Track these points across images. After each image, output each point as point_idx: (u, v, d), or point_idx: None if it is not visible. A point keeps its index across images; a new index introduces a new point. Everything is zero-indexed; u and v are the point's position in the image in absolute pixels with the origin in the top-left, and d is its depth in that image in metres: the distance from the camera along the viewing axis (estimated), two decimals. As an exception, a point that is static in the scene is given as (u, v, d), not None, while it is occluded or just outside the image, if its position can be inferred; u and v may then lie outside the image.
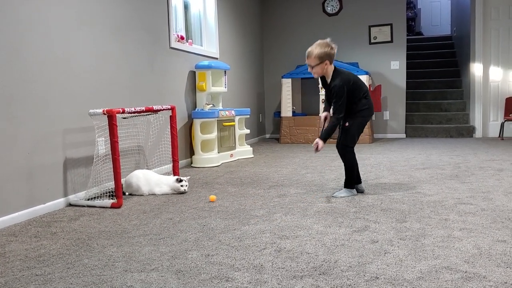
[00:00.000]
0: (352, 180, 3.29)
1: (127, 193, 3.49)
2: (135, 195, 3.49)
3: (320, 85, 4.86)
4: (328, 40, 3.12)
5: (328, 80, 3.20)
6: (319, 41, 3.11)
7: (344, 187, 3.32)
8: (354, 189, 3.31)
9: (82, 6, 3.39)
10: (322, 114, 3.36)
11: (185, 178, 3.54)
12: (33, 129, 2.93)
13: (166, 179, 3.54)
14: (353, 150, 3.28)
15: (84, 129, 3.40)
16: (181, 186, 3.48)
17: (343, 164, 3.33)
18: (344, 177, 3.33)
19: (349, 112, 3.17)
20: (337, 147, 3.30)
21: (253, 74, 7.46)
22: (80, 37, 3.38)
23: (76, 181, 3.32)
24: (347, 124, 3.20)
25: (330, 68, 3.14)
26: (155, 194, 3.46)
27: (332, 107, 3.16)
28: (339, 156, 3.34)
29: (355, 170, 3.30)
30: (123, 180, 3.52)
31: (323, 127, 3.25)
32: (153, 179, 3.49)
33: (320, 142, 3.11)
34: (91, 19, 3.50)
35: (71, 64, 3.28)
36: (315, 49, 3.06)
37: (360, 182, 3.40)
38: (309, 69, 3.16)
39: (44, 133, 3.03)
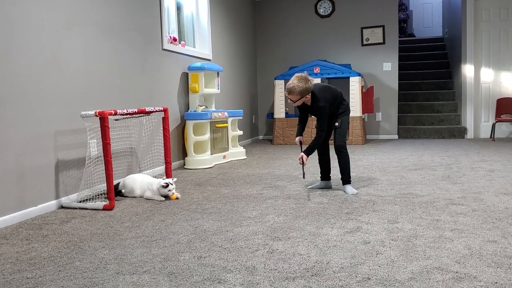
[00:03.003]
0: (350, 174, 3.50)
1: (123, 191, 3.48)
2: (128, 196, 3.48)
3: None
4: (305, 73, 3.31)
5: (309, 103, 3.39)
6: (298, 76, 3.27)
7: (347, 184, 3.48)
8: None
9: (72, 6, 3.38)
10: (297, 139, 3.53)
11: (171, 181, 3.36)
12: (24, 131, 2.92)
13: (152, 184, 3.41)
14: (346, 147, 3.49)
15: (76, 131, 3.38)
16: (169, 191, 3.31)
17: (338, 164, 3.49)
18: (341, 176, 3.50)
19: (336, 114, 3.46)
20: (334, 147, 3.50)
21: (246, 76, 7.46)
22: (71, 38, 3.36)
23: (68, 183, 3.30)
24: (337, 124, 3.45)
25: (309, 97, 3.33)
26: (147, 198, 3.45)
27: (317, 123, 3.42)
28: (336, 156, 3.49)
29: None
30: (116, 182, 3.51)
31: (301, 148, 3.51)
32: (145, 183, 3.47)
33: (305, 156, 3.37)
34: (82, 20, 3.48)
35: (62, 65, 3.27)
36: (297, 86, 3.22)
37: (330, 179, 3.64)
38: (289, 101, 3.35)
39: (35, 134, 3.01)
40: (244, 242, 2.31)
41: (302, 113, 3.52)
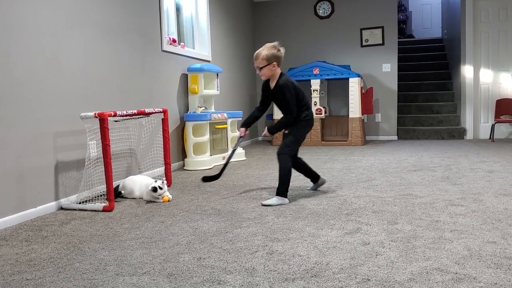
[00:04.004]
0: (286, 188, 3.14)
1: (122, 192, 3.48)
2: (127, 198, 3.47)
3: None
4: (275, 43, 3.19)
5: (273, 84, 3.23)
6: (266, 44, 3.18)
7: (276, 194, 3.14)
8: (287, 198, 3.15)
9: (72, 7, 3.38)
10: (241, 129, 3.38)
11: (161, 184, 3.27)
12: (23, 132, 2.91)
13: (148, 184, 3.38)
14: (290, 158, 3.19)
15: (75, 132, 3.38)
16: (159, 195, 3.27)
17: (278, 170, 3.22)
18: (278, 184, 3.16)
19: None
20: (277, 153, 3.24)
21: (245, 77, 7.47)
22: (71, 38, 3.36)
23: (67, 184, 3.30)
24: (286, 131, 3.25)
25: (278, 71, 3.19)
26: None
27: (285, 109, 3.21)
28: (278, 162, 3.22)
29: (289, 179, 3.18)
30: (116, 183, 3.51)
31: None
32: (145, 185, 3.45)
33: (266, 132, 3.28)
34: (82, 20, 3.48)
35: (62, 65, 3.27)
36: (262, 50, 3.13)
37: (319, 177, 3.50)
38: (257, 71, 3.20)
39: (35, 135, 3.01)
40: (244, 243, 2.31)
41: (263, 96, 3.33)
